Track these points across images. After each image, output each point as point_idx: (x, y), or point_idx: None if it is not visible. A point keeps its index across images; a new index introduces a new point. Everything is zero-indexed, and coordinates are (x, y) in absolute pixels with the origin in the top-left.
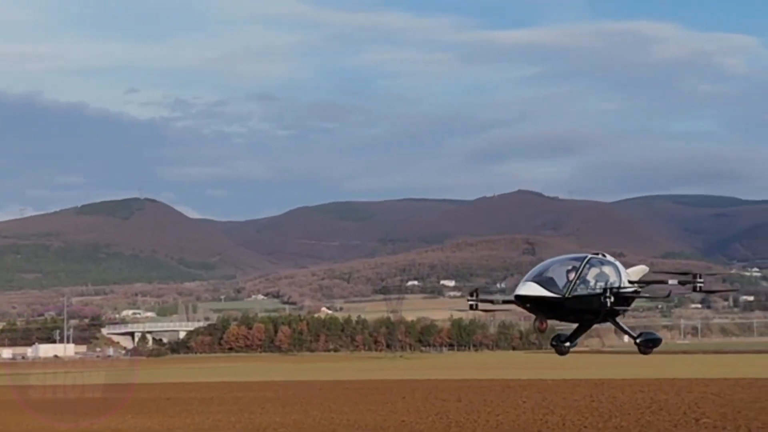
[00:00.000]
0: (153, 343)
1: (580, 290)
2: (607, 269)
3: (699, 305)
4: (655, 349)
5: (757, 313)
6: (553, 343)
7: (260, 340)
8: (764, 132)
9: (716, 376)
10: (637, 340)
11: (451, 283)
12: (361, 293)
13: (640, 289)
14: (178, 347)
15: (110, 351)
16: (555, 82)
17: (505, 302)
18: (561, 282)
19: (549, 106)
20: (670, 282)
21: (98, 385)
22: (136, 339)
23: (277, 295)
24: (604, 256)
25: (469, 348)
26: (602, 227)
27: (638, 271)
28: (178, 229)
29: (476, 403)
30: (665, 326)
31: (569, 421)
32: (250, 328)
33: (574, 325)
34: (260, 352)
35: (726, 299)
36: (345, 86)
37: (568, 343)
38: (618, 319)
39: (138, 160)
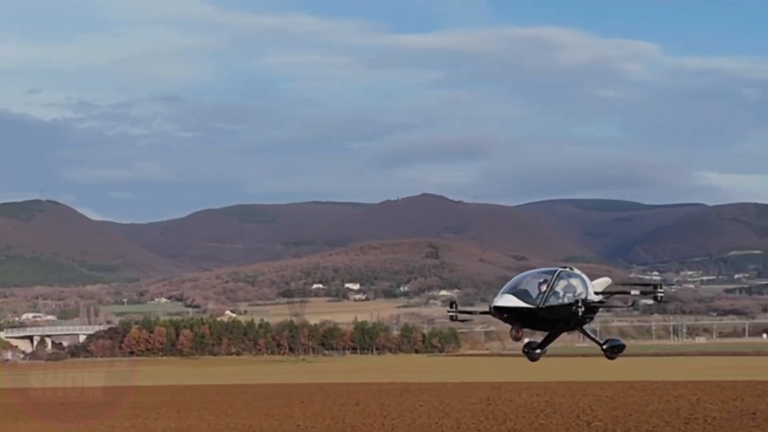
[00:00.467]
0: (52, 346)
1: (552, 301)
2: (575, 281)
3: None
4: (549, 353)
5: (656, 316)
6: (525, 350)
7: (161, 343)
8: (664, 137)
9: (613, 378)
10: (604, 347)
11: (356, 286)
12: (266, 296)
13: (605, 300)
14: (78, 351)
15: (8, 355)
16: (460, 86)
17: (482, 313)
18: (534, 294)
19: (454, 110)
20: (633, 293)
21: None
22: (35, 342)
23: (180, 299)
24: (572, 269)
25: (372, 351)
26: (505, 231)
27: (602, 282)
28: (80, 231)
29: (374, 407)
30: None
31: (464, 424)
32: (152, 332)
33: (545, 333)
34: (161, 355)
35: (626, 301)
36: (250, 88)
37: (539, 350)
38: (585, 327)
39: (40, 161)
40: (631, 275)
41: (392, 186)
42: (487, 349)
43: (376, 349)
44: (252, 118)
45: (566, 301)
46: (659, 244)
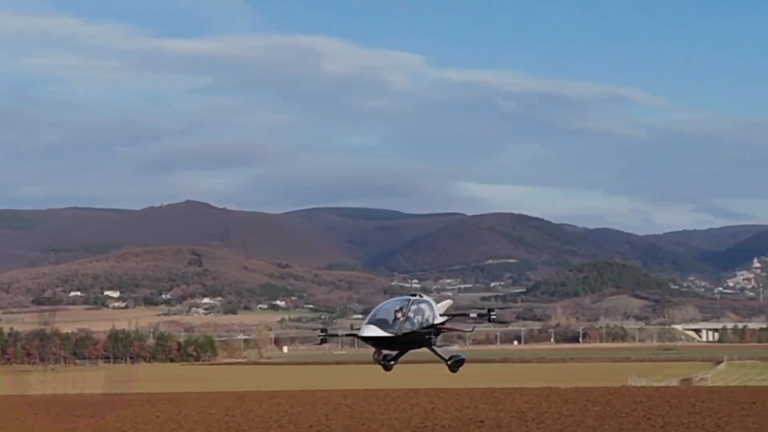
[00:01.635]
0: None
1: (407, 327)
2: (424, 306)
3: (360, 315)
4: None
5: None
6: (381, 361)
7: None
8: (426, 148)
9: (353, 387)
10: (448, 363)
11: (116, 294)
12: (21, 304)
13: (449, 319)
14: None
15: None
16: (226, 93)
17: (348, 335)
18: (392, 321)
19: (219, 117)
20: (471, 315)
21: None
22: None
23: None
24: (421, 296)
25: (125, 360)
26: (269, 238)
27: (445, 304)
28: None
29: (109, 418)
30: None
31: None
32: None
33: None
34: None
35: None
36: (9, 91)
37: (393, 362)
38: (434, 345)
39: None
40: (393, 283)
41: (156, 192)
42: (244, 357)
43: (131, 358)
44: (11, 121)
45: (417, 326)
46: (419, 252)
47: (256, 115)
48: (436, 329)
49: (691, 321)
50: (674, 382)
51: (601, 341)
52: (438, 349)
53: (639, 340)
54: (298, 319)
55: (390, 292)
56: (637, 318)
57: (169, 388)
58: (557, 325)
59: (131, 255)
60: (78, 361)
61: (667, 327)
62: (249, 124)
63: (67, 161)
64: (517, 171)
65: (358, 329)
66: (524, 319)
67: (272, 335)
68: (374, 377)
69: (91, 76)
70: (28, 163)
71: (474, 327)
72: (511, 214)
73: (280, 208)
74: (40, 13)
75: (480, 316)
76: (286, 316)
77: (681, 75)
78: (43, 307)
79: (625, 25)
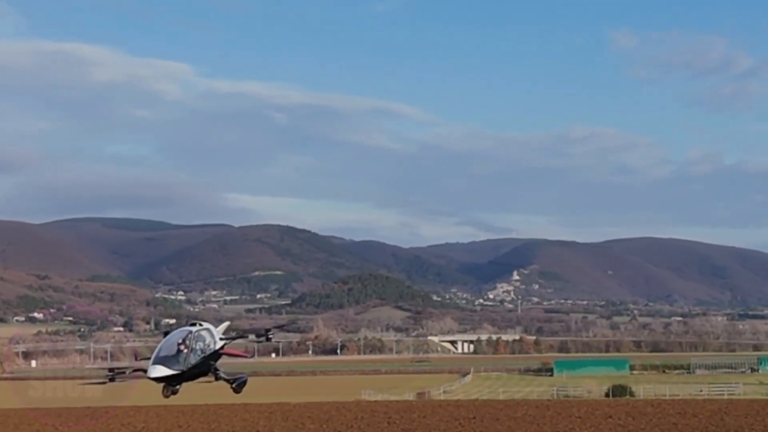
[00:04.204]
0: None
1: (192, 359)
2: (204, 333)
3: (121, 328)
4: None
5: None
6: (165, 393)
7: None
8: (196, 158)
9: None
10: (233, 385)
11: None
12: None
13: (228, 343)
14: None
15: None
16: None
17: (134, 371)
18: (178, 357)
19: None
20: (250, 337)
21: None
22: None
23: None
24: (201, 324)
25: None
26: (29, 249)
27: (224, 327)
28: None
29: None
30: (79, 350)
31: None
32: None
33: None
34: None
35: (148, 322)
36: None
37: (178, 387)
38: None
39: None
40: (157, 295)
41: None
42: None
43: None
44: None
45: (200, 354)
46: (185, 263)
47: (18, 122)
48: (218, 354)
49: (448, 333)
50: (410, 396)
51: (359, 353)
52: (222, 374)
53: (396, 352)
54: (56, 332)
55: (153, 304)
56: (398, 330)
57: None
58: (316, 338)
59: None
60: None
61: (423, 339)
62: (11, 130)
63: None
64: (286, 183)
65: (146, 361)
66: (286, 331)
67: (22, 348)
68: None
69: None
70: None
71: (253, 353)
72: (279, 225)
73: (41, 218)
74: None
75: (258, 336)
76: (43, 329)
77: (447, 91)
78: None
79: (393, 40)
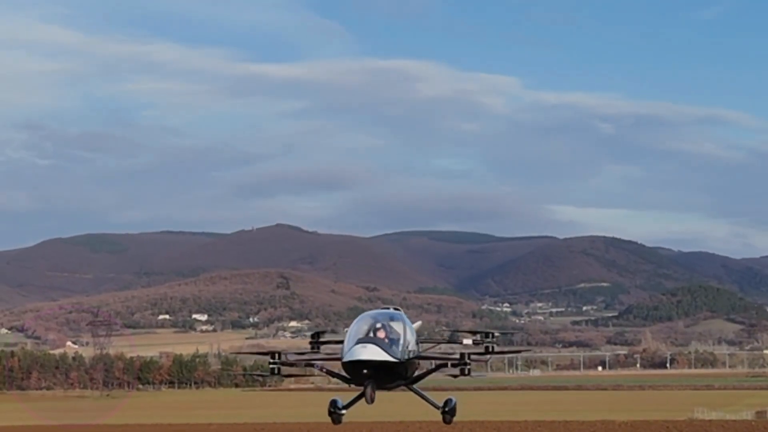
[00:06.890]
0: None
1: (412, 352)
2: (408, 327)
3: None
4: None
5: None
6: (331, 409)
7: None
8: (521, 171)
9: None
10: (444, 409)
11: (204, 317)
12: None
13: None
14: None
15: None
16: (320, 117)
17: (307, 365)
18: (398, 342)
19: (315, 141)
20: (465, 342)
21: None
22: None
23: (21, 329)
24: (397, 309)
25: (190, 385)
26: (358, 262)
27: (416, 326)
28: None
29: None
30: None
31: None
32: None
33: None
34: None
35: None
36: (110, 116)
37: (344, 411)
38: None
39: None
40: (483, 306)
41: (249, 216)
42: (312, 383)
43: (195, 383)
44: (111, 145)
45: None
46: (510, 276)
47: (350, 139)
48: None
49: None
50: (748, 415)
51: (690, 367)
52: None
53: (729, 366)
54: None
55: (479, 315)
56: (730, 343)
57: (182, 418)
58: (644, 350)
59: (220, 278)
60: (140, 387)
61: (758, 352)
62: (342, 148)
63: (161, 185)
64: (611, 193)
65: (334, 354)
66: (613, 343)
67: None
68: None
69: (189, 101)
70: (126, 188)
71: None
72: (604, 237)
73: (371, 232)
74: (143, 40)
75: (475, 343)
76: None
77: None
78: (99, 331)
79: (719, 46)
